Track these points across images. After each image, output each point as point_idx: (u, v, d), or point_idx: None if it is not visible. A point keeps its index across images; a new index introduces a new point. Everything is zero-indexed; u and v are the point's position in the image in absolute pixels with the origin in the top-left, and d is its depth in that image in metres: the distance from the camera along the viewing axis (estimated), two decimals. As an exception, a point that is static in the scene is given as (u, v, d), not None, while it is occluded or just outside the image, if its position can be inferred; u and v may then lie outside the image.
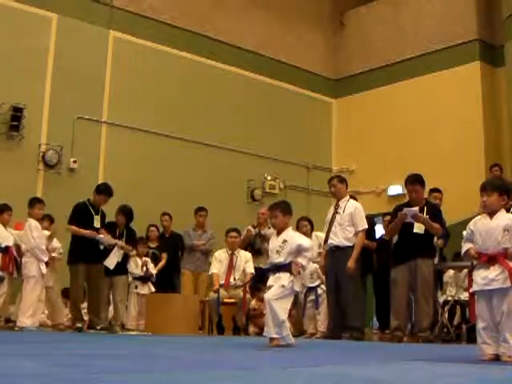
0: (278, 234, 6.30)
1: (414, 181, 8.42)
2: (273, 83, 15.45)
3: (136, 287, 10.10)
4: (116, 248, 9.33)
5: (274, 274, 6.15)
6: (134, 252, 10.03)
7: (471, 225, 4.96)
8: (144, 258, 10.30)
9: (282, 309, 6.06)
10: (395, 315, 8.36)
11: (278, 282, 6.06)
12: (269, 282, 6.18)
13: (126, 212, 9.65)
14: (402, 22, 15.68)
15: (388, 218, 9.31)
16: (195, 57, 14.17)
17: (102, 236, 9.18)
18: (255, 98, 15.02)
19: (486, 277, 4.73)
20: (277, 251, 6.19)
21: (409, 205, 8.42)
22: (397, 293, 8.32)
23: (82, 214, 9.18)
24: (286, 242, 6.17)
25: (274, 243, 6.26)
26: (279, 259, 6.15)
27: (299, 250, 6.14)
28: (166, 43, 13.80)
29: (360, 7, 16.79)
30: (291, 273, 6.08)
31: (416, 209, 8.16)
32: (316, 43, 16.51)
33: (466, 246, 4.99)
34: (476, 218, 5.03)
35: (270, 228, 11.32)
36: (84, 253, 9.01)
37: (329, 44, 16.80)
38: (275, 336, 6.00)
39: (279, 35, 15.65)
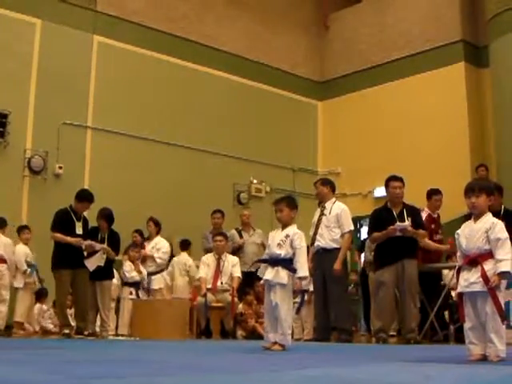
0: (283, 228, 6.27)
1: (398, 178, 8.48)
2: (258, 86, 15.45)
3: (131, 293, 10.03)
4: (100, 252, 9.23)
5: (272, 266, 6.13)
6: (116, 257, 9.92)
7: (459, 229, 4.98)
8: (136, 262, 10.24)
9: (288, 313, 6.09)
10: (378, 317, 8.36)
11: (278, 280, 6.02)
12: (266, 275, 6.14)
13: (106, 215, 9.47)
14: (387, 23, 15.74)
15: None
16: (179, 61, 14.14)
17: (87, 242, 9.06)
18: (240, 102, 15.01)
19: (468, 279, 4.77)
20: (278, 244, 6.17)
21: (387, 208, 8.46)
22: (382, 294, 8.32)
23: (64, 221, 9.04)
24: (288, 236, 6.15)
25: (277, 236, 6.24)
26: (280, 251, 6.13)
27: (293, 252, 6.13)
28: (150, 47, 13.76)
29: (344, 9, 16.84)
30: (289, 269, 6.06)
31: (406, 224, 8.18)
32: (301, 46, 16.53)
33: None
34: (466, 222, 5.03)
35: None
36: (68, 258, 8.88)
37: (313, 46, 16.82)
38: (283, 343, 6.00)
39: (264, 38, 15.66)
